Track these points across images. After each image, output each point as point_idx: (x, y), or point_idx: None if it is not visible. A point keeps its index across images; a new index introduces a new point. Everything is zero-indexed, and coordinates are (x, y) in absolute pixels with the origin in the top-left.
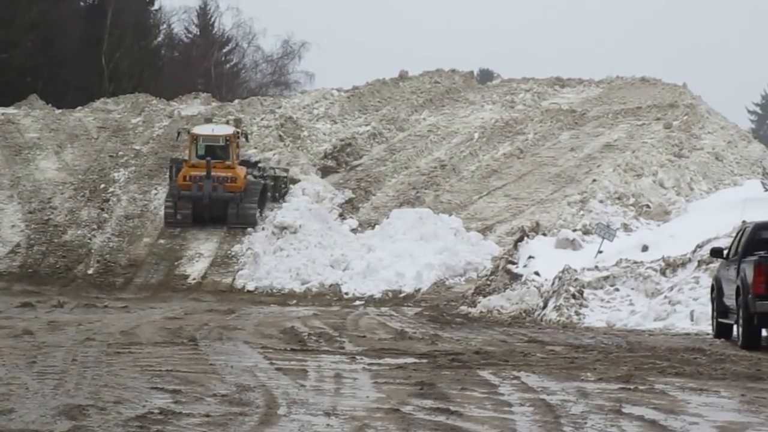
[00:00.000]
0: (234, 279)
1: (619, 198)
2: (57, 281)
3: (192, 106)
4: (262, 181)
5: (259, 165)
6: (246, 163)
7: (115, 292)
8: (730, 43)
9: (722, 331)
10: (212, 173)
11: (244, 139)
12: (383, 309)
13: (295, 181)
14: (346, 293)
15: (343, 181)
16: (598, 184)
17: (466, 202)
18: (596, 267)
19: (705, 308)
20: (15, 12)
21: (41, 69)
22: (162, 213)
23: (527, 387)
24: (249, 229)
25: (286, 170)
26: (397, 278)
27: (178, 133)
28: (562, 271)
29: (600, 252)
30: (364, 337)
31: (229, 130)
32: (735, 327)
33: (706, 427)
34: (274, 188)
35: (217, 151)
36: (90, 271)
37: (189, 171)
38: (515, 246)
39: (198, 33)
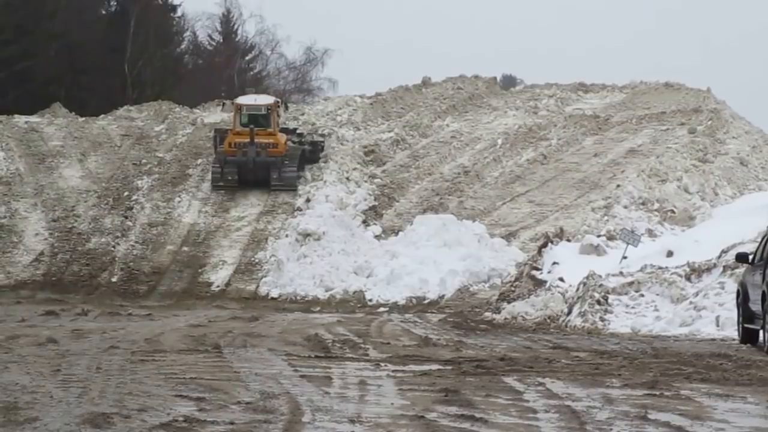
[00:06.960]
0: (258, 286)
1: (643, 203)
2: (81, 289)
3: (215, 114)
4: (301, 147)
5: (298, 131)
6: (285, 130)
7: (138, 299)
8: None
9: (748, 337)
10: (255, 140)
11: (284, 108)
12: (407, 315)
13: (325, 144)
14: (370, 300)
15: None
16: (622, 190)
17: (490, 208)
18: (621, 273)
19: (731, 314)
20: (38, 21)
21: (64, 77)
22: (210, 177)
23: (552, 393)
24: (271, 238)
25: (323, 135)
26: (421, 285)
27: (223, 104)
28: (587, 277)
29: (625, 258)
30: (388, 343)
31: (270, 99)
32: (761, 332)
33: None
34: (312, 152)
35: (259, 119)
36: (114, 279)
37: (234, 138)
38: (539, 252)
39: (221, 40)
